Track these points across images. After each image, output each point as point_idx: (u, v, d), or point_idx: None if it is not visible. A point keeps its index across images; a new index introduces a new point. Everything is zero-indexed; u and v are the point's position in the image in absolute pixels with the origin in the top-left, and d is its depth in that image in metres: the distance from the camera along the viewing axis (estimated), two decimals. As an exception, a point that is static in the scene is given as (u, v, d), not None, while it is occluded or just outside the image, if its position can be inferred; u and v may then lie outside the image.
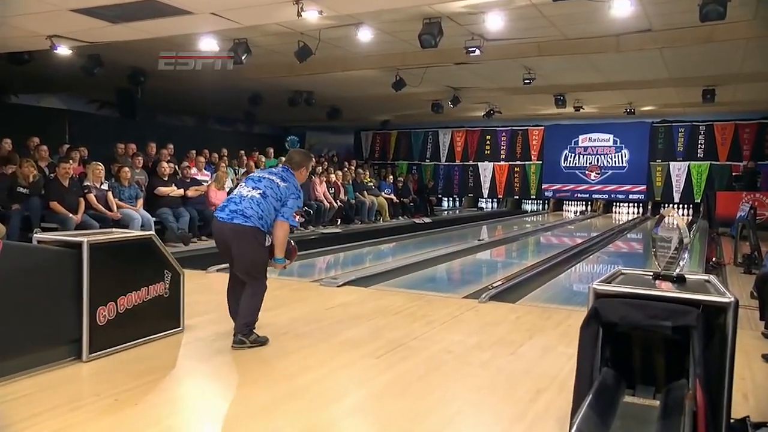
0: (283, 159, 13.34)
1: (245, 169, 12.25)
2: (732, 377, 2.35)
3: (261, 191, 4.13)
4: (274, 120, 20.32)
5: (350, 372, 3.69)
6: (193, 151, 12.00)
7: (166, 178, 9.82)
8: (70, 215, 7.96)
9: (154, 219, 9.10)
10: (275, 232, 4.12)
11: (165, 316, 4.29)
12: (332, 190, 13.40)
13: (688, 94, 13.84)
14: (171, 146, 11.34)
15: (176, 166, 10.63)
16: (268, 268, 4.21)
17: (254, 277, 4.13)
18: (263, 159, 13.57)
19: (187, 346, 4.15)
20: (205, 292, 5.99)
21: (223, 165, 11.35)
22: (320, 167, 13.88)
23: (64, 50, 9.12)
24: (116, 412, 3.00)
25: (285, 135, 21.14)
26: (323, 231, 11.92)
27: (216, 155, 12.53)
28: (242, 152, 13.39)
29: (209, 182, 10.69)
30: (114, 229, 5.01)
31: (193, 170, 10.86)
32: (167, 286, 4.30)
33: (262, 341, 4.15)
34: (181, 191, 9.90)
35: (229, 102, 15.64)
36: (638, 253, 10.65)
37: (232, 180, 11.75)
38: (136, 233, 4.50)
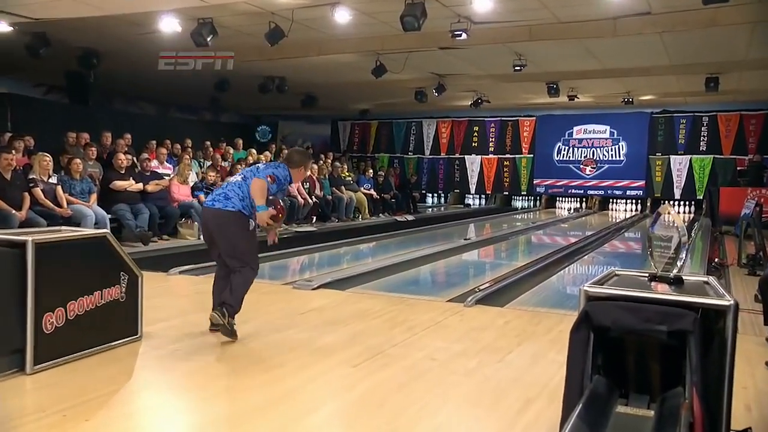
0: (254, 152, 13.36)
1: (211, 162, 12.18)
2: (732, 385, 2.39)
3: (242, 176, 4.61)
4: (243, 108, 20.23)
5: (325, 381, 3.70)
6: (153, 142, 11.90)
7: (122, 171, 9.73)
8: (13, 212, 7.83)
9: (109, 216, 9.01)
10: (251, 188, 4.45)
11: (121, 322, 4.25)
12: (307, 185, 13.36)
13: (690, 82, 14.03)
14: (128, 136, 11.22)
15: (134, 158, 10.53)
16: (258, 255, 4.58)
17: (242, 262, 4.47)
18: (231, 150, 13.50)
19: (146, 356, 4.12)
20: (165, 296, 5.94)
21: (187, 157, 11.27)
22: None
23: (3, 26, 8.93)
24: (64, 429, 2.96)
25: (255, 125, 21.07)
26: (297, 229, 11.89)
27: (179, 146, 12.44)
28: (208, 143, 13.32)
29: (171, 176, 10.63)
30: (63, 227, 4.95)
31: (154, 163, 10.78)
32: (123, 289, 4.26)
33: (233, 332, 4.39)
34: (140, 186, 9.81)
35: (194, 88, 15.53)
36: (636, 253, 10.79)
37: (196, 173, 11.68)
38: (89, 231, 4.46)
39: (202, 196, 10.54)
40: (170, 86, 15.50)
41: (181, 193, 10.39)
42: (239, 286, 4.45)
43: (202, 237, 4.56)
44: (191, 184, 10.83)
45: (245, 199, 4.46)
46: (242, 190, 4.48)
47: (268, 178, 4.49)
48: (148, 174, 10.19)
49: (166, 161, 11.28)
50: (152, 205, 9.72)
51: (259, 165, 4.82)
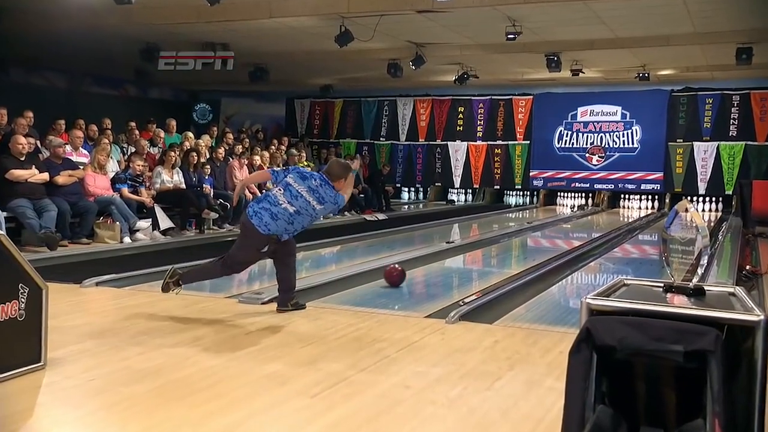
0: (190, 136, 13.26)
1: (136, 148, 12.05)
2: (764, 417, 2.44)
3: (296, 209, 5.68)
4: (177, 82, 20.06)
5: (276, 416, 3.68)
6: (62, 122, 11.74)
7: (22, 158, 9.56)
8: None
9: (5, 214, 8.90)
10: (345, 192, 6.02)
11: (19, 346, 4.17)
12: (256, 178, 13.30)
13: (718, 53, 14.24)
14: (30, 114, 10.96)
15: (38, 142, 10.37)
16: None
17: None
18: (162, 134, 13.37)
19: (51, 388, 4.06)
20: (78, 313, 5.86)
21: (106, 141, 11.12)
22: (240, 146, 13.77)
23: None
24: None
25: (192, 102, 20.93)
26: (243, 231, 11.86)
27: (95, 127, 12.29)
28: (133, 124, 13.19)
29: (87, 164, 10.50)
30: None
31: (67, 148, 10.61)
32: (23, 305, 4.19)
33: (302, 305, 6.01)
34: (46, 176, 9.65)
35: (115, 56, 15.37)
36: (652, 259, 10.93)
37: (117, 161, 11.54)
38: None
39: (125, 190, 10.44)
40: (84, 52, 15.28)
41: (98, 185, 10.25)
42: (294, 275, 6.04)
43: (244, 240, 5.87)
44: (111, 174, 10.71)
45: (296, 229, 5.81)
46: (296, 224, 5.75)
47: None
48: (58, 163, 10.05)
49: (83, 147, 11.11)
50: (62, 200, 9.58)
51: (308, 197, 5.74)
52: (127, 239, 9.92)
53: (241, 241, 5.85)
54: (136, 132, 12.92)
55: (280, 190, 5.74)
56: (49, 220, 9.27)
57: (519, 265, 9.66)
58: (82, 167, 10.36)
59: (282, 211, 5.64)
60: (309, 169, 15.59)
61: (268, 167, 11.30)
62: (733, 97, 18.27)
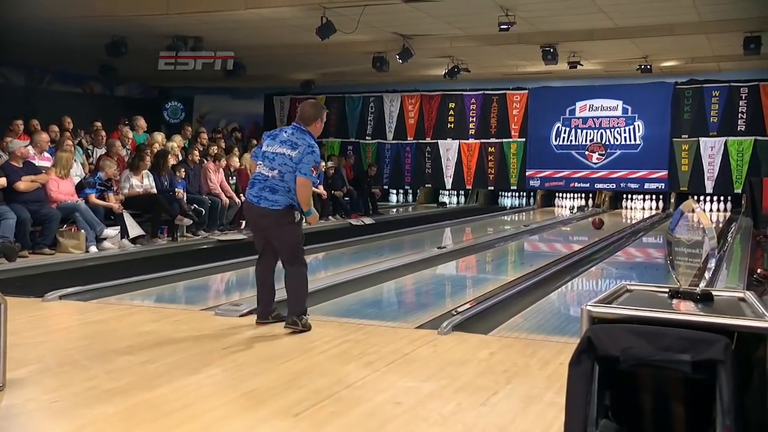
0: (158, 137, 13.20)
1: (104, 150, 12.00)
2: (777, 430, 2.45)
3: (272, 168, 5.64)
4: (146, 78, 20.01)
5: (255, 437, 3.67)
6: (20, 122, 11.69)
7: (-23, 162, 9.52)
8: None
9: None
10: (298, 192, 5.65)
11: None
12: (233, 180, 13.27)
13: (725, 43, 14.33)
14: (-16, 113, 11.02)
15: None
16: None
17: (294, 257, 5.80)
18: (130, 134, 13.32)
19: (11, 412, 4.02)
20: (40, 329, 5.82)
21: (69, 143, 11.07)
22: (215, 147, 13.73)
23: None
24: None
25: (163, 100, 20.87)
26: (221, 237, 11.80)
27: (56, 128, 12.23)
28: (98, 124, 13.13)
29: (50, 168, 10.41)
30: None
31: (30, 151, 10.53)
32: (-20, 321, 4.17)
33: (309, 327, 5.70)
34: (3, 181, 9.58)
35: (78, 50, 15.31)
36: (658, 263, 10.96)
37: (82, 164, 11.46)
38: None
39: (92, 196, 10.36)
40: (45, 47, 15.20)
41: (62, 190, 10.16)
42: (298, 287, 5.77)
43: (248, 229, 6.11)
44: (76, 179, 10.63)
45: (291, 191, 5.64)
46: (287, 183, 5.61)
47: (313, 171, 5.65)
48: (19, 167, 9.97)
49: (47, 151, 11.02)
50: (22, 207, 9.50)
51: (282, 150, 5.66)
52: (93, 248, 9.84)
53: (280, 231, 5.80)
54: (103, 132, 12.82)
55: (260, 164, 5.77)
56: (8, 228, 9.18)
57: (515, 271, 9.66)
58: (44, 171, 10.27)
59: (275, 182, 5.67)
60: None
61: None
62: (741, 89, 18.36)
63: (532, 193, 20.66)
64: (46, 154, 10.95)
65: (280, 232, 5.75)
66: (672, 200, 18.96)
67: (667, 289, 2.93)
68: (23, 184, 9.76)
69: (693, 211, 2.91)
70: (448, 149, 20.99)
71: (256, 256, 6.04)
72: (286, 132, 5.79)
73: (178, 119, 19.61)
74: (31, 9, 11.21)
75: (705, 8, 11.91)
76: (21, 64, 17.55)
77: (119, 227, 10.38)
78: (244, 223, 13.09)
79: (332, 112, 21.84)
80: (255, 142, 16.29)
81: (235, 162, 13.60)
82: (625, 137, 19.37)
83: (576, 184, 19.96)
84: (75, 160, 10.94)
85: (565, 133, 19.88)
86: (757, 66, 16.68)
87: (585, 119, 19.73)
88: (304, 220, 5.90)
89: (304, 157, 5.64)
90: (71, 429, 3.78)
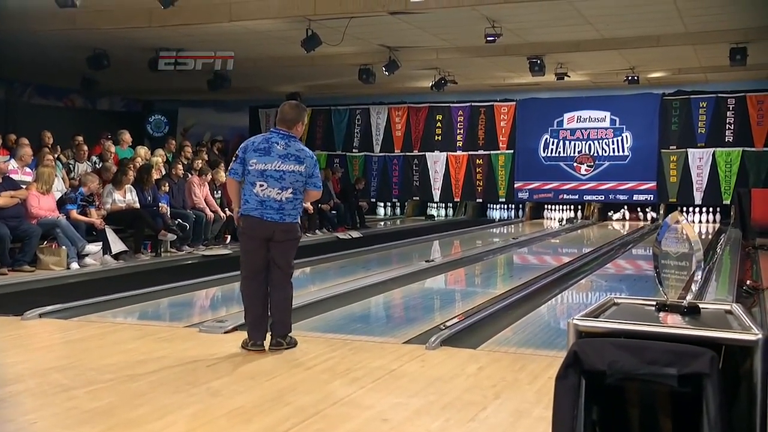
0: (142, 152, 13.15)
1: (87, 165, 11.96)
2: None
3: (291, 190, 5.69)
4: (129, 91, 20.01)
5: (240, 456, 3.66)
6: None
7: (-45, 177, 9.47)
8: None
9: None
10: (306, 200, 5.99)
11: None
12: (218, 195, 13.25)
13: (711, 54, 14.44)
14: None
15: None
16: None
17: (290, 275, 5.90)
18: (112, 148, 13.28)
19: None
20: (18, 348, 5.81)
21: (50, 158, 11.02)
22: (199, 161, 13.70)
23: None
24: None
25: (146, 113, 20.82)
26: (205, 253, 11.77)
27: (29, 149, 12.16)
28: (80, 138, 13.06)
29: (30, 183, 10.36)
30: None
31: (11, 165, 10.48)
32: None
33: (294, 343, 5.73)
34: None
35: (59, 63, 15.28)
36: (648, 275, 10.99)
37: (63, 179, 11.40)
38: None
39: (73, 211, 10.30)
40: (25, 60, 15.15)
41: (43, 206, 10.10)
42: (288, 307, 5.81)
43: (245, 245, 5.93)
44: (57, 194, 10.56)
45: (301, 203, 5.86)
46: (299, 199, 5.77)
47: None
48: (-1, 182, 9.93)
49: (29, 166, 10.95)
50: (1, 223, 9.43)
51: (290, 167, 5.67)
52: (74, 265, 9.77)
53: (288, 246, 5.90)
54: (85, 147, 12.77)
55: (263, 185, 5.61)
56: (-16, 245, 9.16)
57: (504, 285, 9.69)
58: (24, 186, 10.20)
59: (288, 203, 5.70)
60: None
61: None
62: (728, 100, 18.49)
63: (520, 206, 20.70)
64: (28, 169, 10.89)
65: (286, 246, 5.81)
66: (661, 211, 18.95)
67: (654, 302, 2.94)
68: (2, 199, 9.69)
69: (679, 222, 2.93)
70: (436, 161, 21.02)
71: (239, 272, 5.98)
72: (278, 144, 5.63)
73: (162, 133, 19.57)
74: (11, 21, 11.17)
75: (690, 19, 12.01)
76: (1, 78, 17.49)
77: (101, 243, 10.31)
78: (229, 237, 13.13)
79: (319, 124, 21.88)
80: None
81: (221, 176, 13.55)
82: (613, 148, 19.45)
83: (565, 196, 20.02)
84: (57, 176, 10.88)
85: (553, 144, 19.95)
86: (743, 77, 16.83)
87: (573, 131, 19.81)
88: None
89: (314, 170, 5.80)
90: (52, 449, 3.76)
